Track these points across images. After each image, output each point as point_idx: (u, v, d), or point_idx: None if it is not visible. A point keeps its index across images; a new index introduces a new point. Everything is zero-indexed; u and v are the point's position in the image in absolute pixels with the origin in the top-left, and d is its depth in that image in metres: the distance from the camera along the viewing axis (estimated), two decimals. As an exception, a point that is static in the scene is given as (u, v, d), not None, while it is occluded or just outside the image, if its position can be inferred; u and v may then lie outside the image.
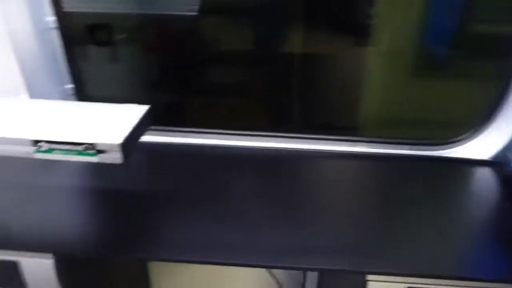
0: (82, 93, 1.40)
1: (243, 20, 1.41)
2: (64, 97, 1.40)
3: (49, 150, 0.88)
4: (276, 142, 1.41)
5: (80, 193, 1.19)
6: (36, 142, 0.88)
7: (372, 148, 1.39)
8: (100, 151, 0.88)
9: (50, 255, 0.99)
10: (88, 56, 1.41)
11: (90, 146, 0.87)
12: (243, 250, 0.98)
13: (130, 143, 0.91)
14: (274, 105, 1.56)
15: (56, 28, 1.29)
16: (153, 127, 1.24)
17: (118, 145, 0.87)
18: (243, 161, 1.35)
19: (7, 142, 0.88)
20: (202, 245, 0.98)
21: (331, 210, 1.13)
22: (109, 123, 0.95)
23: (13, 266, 1.00)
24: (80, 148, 0.88)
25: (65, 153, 0.89)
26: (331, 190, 1.26)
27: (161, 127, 1.41)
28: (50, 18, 1.27)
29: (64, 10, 1.27)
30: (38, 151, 0.89)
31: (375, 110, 1.48)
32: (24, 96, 1.32)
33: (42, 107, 1.04)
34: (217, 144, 1.42)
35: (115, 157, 0.88)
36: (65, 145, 0.88)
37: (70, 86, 1.38)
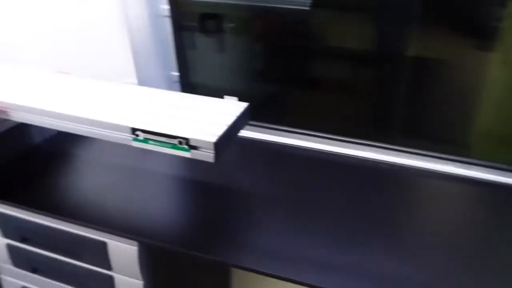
0: (187, 81, 1.41)
1: (354, 17, 1.29)
2: (169, 83, 1.43)
3: (145, 140, 0.87)
4: (376, 152, 1.28)
5: (172, 182, 1.19)
6: (134, 130, 0.87)
7: (488, 173, 1.19)
8: (193, 147, 0.84)
9: (135, 242, 0.99)
10: (195, 44, 1.41)
11: (184, 140, 0.84)
12: (340, 272, 0.88)
13: (224, 142, 0.86)
14: (376, 108, 1.42)
15: (168, 16, 1.30)
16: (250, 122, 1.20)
17: (211, 143, 0.82)
18: (337, 168, 1.25)
19: (107, 127, 0.89)
20: (292, 259, 0.91)
21: (432, 241, 0.97)
22: (207, 119, 0.91)
23: (103, 246, 1.03)
24: (174, 141, 0.85)
25: (159, 145, 0.87)
26: (433, 216, 1.09)
27: (257, 123, 1.36)
28: (165, 6, 1.28)
29: (178, -2, 1.28)
30: (135, 139, 0.88)
31: (493, 126, 1.26)
32: (132, 79, 1.36)
33: (145, 94, 1.04)
34: (311, 147, 1.33)
35: (208, 155, 0.84)
36: (160, 136, 0.86)
37: (175, 73, 1.40)
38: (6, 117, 0.98)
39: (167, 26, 1.31)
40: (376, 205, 1.09)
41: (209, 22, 1.39)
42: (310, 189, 1.15)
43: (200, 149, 0.84)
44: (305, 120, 1.41)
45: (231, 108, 0.96)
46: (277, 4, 1.33)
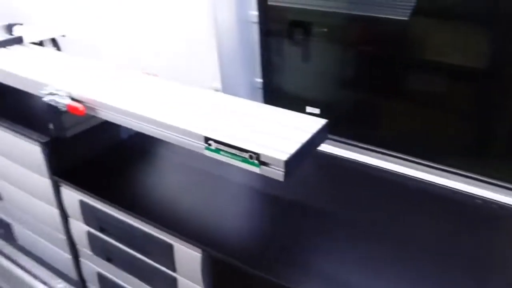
0: (270, 88, 1.38)
1: (456, 28, 1.16)
2: (252, 89, 1.41)
3: (217, 150, 0.86)
4: (471, 185, 1.13)
5: (243, 192, 1.17)
6: (206, 139, 0.86)
7: None
8: (263, 163, 0.81)
9: (199, 250, 0.99)
10: (282, 51, 1.38)
11: (254, 155, 0.81)
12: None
13: (296, 161, 0.81)
14: (475, 133, 1.26)
15: (256, 22, 1.28)
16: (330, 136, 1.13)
17: (282, 161, 0.78)
18: (421, 197, 1.13)
19: (182, 133, 0.90)
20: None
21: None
22: (282, 134, 0.87)
23: (169, 248, 1.04)
24: (245, 155, 0.82)
25: (230, 157, 0.85)
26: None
27: (338, 138, 1.29)
28: (254, 12, 1.27)
29: (269, 3, 1.25)
30: (207, 148, 0.87)
31: None
32: (216, 84, 1.37)
33: (225, 103, 1.03)
34: (394, 170, 1.22)
35: (278, 173, 0.80)
36: (232, 148, 0.84)
37: (259, 79, 1.38)
38: (94, 114, 1.04)
39: (255, 32, 1.29)
40: (469, 245, 0.96)
41: (298, 29, 1.35)
42: (388, 216, 1.06)
43: (270, 166, 0.80)
44: (391, 138, 1.30)
45: (308, 124, 0.91)
46: (373, 13, 1.25)
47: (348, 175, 1.24)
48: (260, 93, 1.39)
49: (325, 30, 1.32)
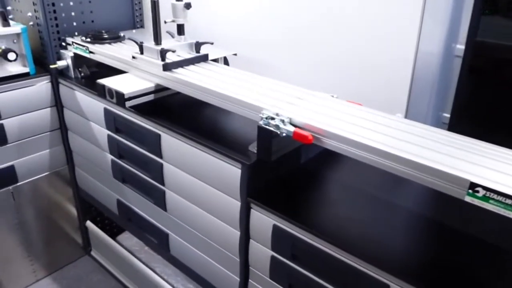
0: (458, 126, 1.31)
1: None
2: (436, 124, 1.35)
3: (485, 198, 0.81)
4: None
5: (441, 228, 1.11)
6: (473, 185, 0.81)
7: None
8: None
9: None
10: (482, 90, 1.31)
11: (540, 209, 0.75)
12: None
13: None
14: None
15: (460, 56, 1.23)
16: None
17: None
18: None
19: (437, 175, 0.85)
20: None
21: None
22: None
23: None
24: (525, 207, 0.76)
25: (503, 207, 0.79)
26: None
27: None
28: (460, 46, 1.22)
29: (478, 39, 1.20)
30: (471, 195, 0.82)
31: None
32: (399, 114, 1.32)
33: (454, 139, 0.98)
34: None
35: None
36: (507, 198, 0.78)
37: (447, 115, 1.32)
38: (318, 143, 1.02)
39: (456, 66, 1.24)
40: None
41: (508, 69, 1.25)
42: None
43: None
44: None
45: None
46: None
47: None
48: (445, 128, 1.33)
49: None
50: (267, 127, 1.08)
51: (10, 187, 1.89)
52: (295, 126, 1.05)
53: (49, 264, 2.20)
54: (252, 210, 1.21)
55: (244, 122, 1.21)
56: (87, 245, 2.29)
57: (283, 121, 1.05)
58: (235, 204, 1.24)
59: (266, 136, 1.09)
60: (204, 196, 1.33)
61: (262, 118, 1.09)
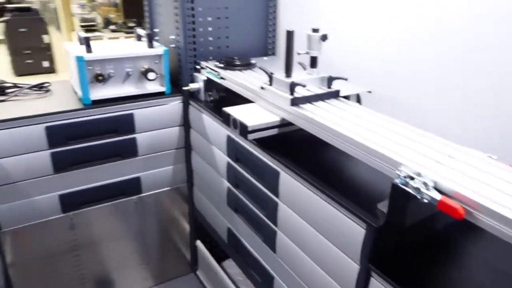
0: None
1: None
2: None
3: None
4: None
5: None
6: None
7: None
8: None
9: None
10: None
11: None
12: None
13: None
14: None
15: None
16: None
17: None
18: None
19: None
20: None
21: None
22: None
23: None
24: None
25: None
26: None
27: None
28: None
29: None
30: None
31: None
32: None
33: None
34: None
35: None
36: None
37: None
38: (472, 220, 0.82)
39: None
40: None
41: None
42: None
43: None
44: None
45: None
46: None
47: None
48: None
49: None
50: (404, 187, 0.90)
51: (135, 197, 2.00)
52: (441, 193, 0.85)
53: (158, 274, 2.27)
54: (372, 279, 1.03)
55: (376, 172, 1.04)
56: (194, 264, 2.31)
57: (425, 184, 0.87)
58: (353, 267, 1.07)
59: (401, 198, 0.92)
60: (319, 249, 1.19)
61: (399, 176, 0.92)
